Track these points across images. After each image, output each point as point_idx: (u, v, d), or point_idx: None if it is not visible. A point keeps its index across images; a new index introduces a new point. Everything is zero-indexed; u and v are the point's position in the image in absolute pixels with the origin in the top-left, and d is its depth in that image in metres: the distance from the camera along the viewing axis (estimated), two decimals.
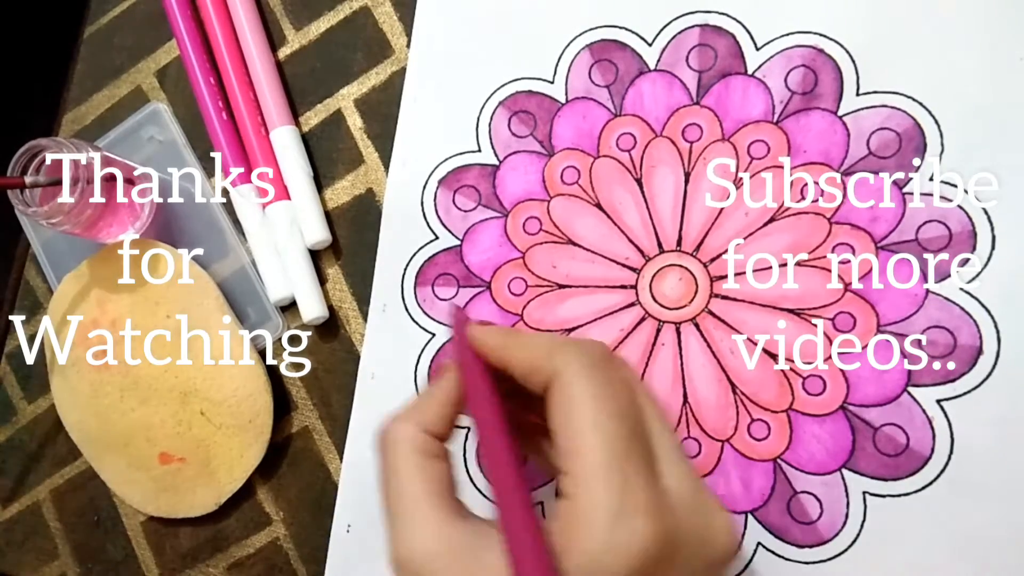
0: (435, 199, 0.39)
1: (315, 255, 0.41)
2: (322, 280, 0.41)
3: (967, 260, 0.32)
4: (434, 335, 0.38)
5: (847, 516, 0.32)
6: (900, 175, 0.33)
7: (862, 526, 0.31)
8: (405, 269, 0.39)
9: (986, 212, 0.32)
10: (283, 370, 0.41)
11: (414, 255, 0.39)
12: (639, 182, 0.36)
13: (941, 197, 0.32)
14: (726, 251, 0.35)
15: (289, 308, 0.41)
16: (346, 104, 0.42)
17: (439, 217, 0.39)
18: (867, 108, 0.34)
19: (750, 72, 0.35)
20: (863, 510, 0.31)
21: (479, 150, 0.39)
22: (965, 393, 0.31)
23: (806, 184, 0.34)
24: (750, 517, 0.33)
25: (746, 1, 0.36)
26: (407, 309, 0.39)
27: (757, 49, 0.35)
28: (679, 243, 0.35)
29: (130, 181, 0.42)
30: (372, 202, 0.41)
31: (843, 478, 0.32)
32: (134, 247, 0.42)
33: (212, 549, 0.41)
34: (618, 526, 0.23)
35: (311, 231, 0.40)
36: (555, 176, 0.37)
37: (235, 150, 0.42)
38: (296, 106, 0.43)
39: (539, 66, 0.39)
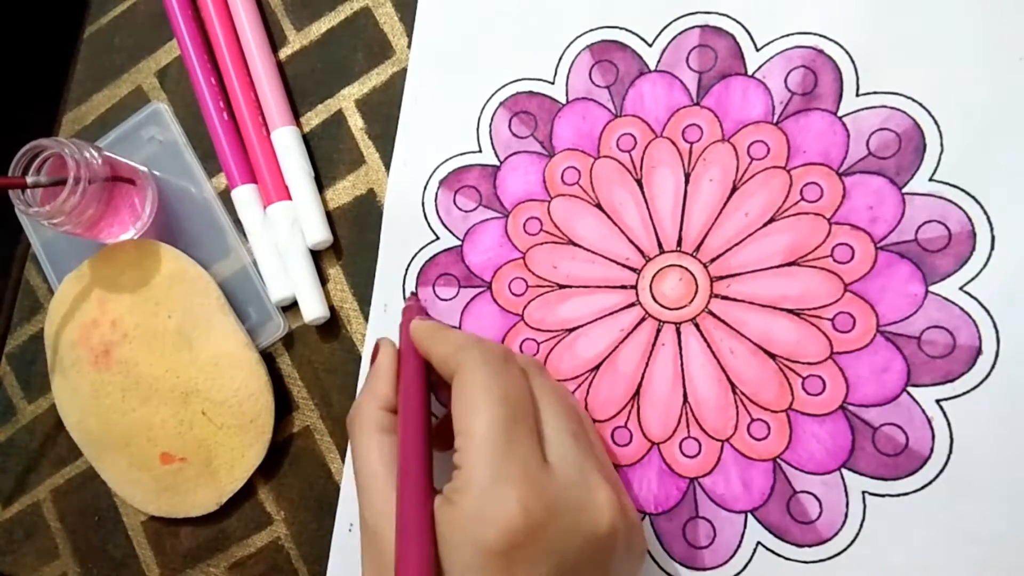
0: (436, 199, 0.39)
1: (316, 255, 0.41)
2: (323, 280, 0.41)
3: (967, 260, 0.32)
4: None
5: (846, 516, 0.32)
6: (900, 175, 0.33)
7: (861, 526, 0.31)
8: (406, 269, 0.39)
9: (986, 212, 0.32)
10: (283, 369, 0.41)
11: (415, 255, 0.39)
12: (639, 183, 0.36)
13: (941, 197, 0.32)
14: (726, 251, 0.35)
15: (290, 308, 0.41)
16: (347, 104, 0.42)
17: (440, 217, 0.39)
18: (867, 109, 0.34)
19: (750, 73, 0.35)
20: (862, 510, 0.31)
21: (480, 151, 0.39)
22: (964, 393, 0.31)
23: (806, 185, 0.34)
24: (750, 517, 0.33)
25: (746, 2, 0.36)
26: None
27: (757, 50, 0.36)
28: (679, 243, 0.36)
29: (131, 181, 0.42)
30: (373, 202, 0.41)
31: (842, 478, 0.32)
32: (135, 247, 0.42)
33: (213, 549, 0.41)
34: (491, 492, 0.26)
35: (312, 231, 0.40)
36: (556, 177, 0.38)
37: (236, 150, 0.42)
38: (297, 106, 0.43)
39: (540, 67, 0.39)
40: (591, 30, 0.38)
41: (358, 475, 0.30)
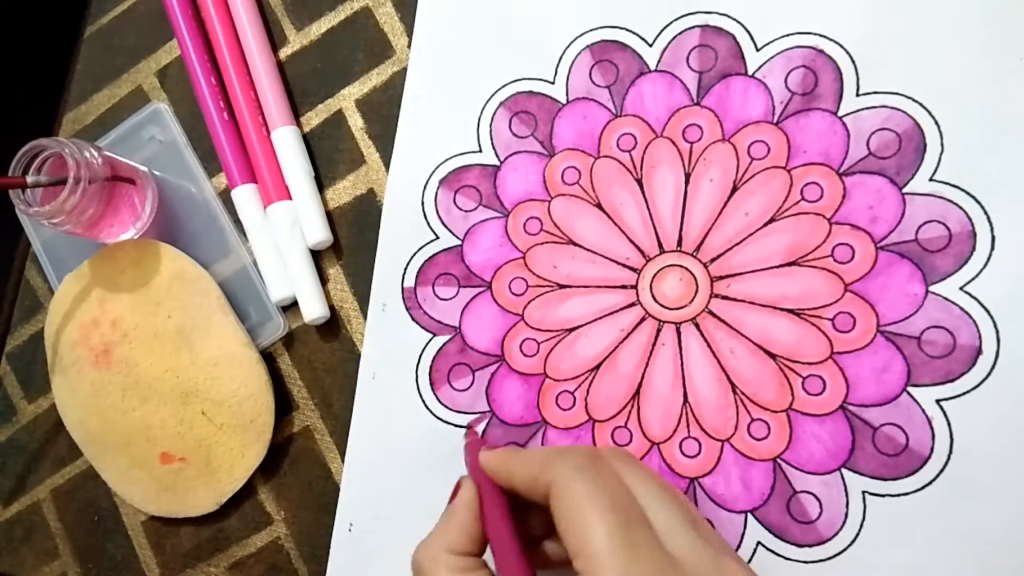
0: (436, 199, 0.39)
1: (316, 255, 0.41)
2: (323, 280, 0.41)
3: (967, 260, 0.32)
4: (434, 335, 0.38)
5: (846, 515, 0.32)
6: (900, 175, 0.33)
7: (861, 525, 0.31)
8: (405, 269, 0.39)
9: (986, 212, 0.32)
10: (284, 369, 0.41)
11: (414, 255, 0.39)
12: (639, 182, 0.36)
13: (941, 197, 0.32)
14: (726, 251, 0.35)
15: (290, 308, 0.41)
16: (347, 104, 0.42)
17: (440, 217, 0.39)
18: (867, 108, 0.34)
19: (750, 73, 0.35)
20: (862, 509, 0.31)
21: (480, 150, 0.39)
22: (964, 393, 0.31)
23: (806, 184, 0.34)
24: (750, 516, 0.33)
25: (746, 2, 0.36)
26: (408, 309, 0.39)
27: (757, 50, 0.36)
28: (679, 243, 0.36)
29: (131, 181, 0.42)
30: (373, 202, 0.41)
31: (843, 478, 0.32)
32: (135, 247, 0.42)
33: (213, 549, 0.41)
34: None
35: (312, 231, 0.40)
36: (556, 176, 0.38)
37: (236, 150, 0.42)
38: (297, 106, 0.43)
39: (540, 67, 0.39)
40: (591, 30, 0.38)
41: None
